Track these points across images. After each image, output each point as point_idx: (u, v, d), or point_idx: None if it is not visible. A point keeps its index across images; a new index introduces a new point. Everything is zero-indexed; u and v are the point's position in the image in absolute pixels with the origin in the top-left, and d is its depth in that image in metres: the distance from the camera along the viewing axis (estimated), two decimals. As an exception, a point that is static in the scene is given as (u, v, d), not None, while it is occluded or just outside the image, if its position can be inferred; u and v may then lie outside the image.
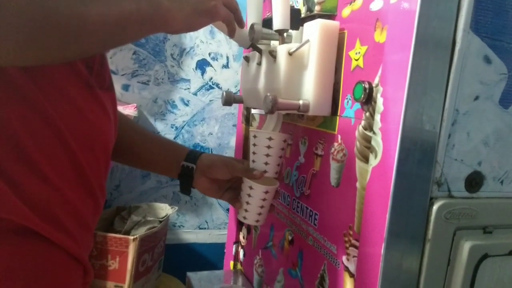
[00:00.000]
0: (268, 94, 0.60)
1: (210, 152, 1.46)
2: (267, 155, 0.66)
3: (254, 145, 0.67)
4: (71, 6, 0.38)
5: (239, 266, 1.08)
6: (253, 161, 0.67)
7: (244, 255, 1.05)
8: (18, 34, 0.36)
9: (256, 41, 0.66)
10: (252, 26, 0.64)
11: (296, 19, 0.68)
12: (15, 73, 0.44)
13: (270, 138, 0.65)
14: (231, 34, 0.59)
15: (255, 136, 0.66)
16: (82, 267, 0.53)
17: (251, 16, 0.69)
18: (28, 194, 0.45)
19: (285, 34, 0.65)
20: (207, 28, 1.41)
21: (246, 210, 0.68)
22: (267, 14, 0.71)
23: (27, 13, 0.36)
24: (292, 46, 0.63)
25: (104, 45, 0.46)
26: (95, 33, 0.41)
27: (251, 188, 0.66)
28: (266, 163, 0.66)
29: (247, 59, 0.79)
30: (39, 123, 0.46)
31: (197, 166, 0.70)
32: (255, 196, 0.66)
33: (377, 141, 0.51)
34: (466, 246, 0.52)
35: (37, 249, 0.47)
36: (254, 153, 0.67)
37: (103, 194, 0.56)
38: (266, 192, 0.66)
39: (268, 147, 0.65)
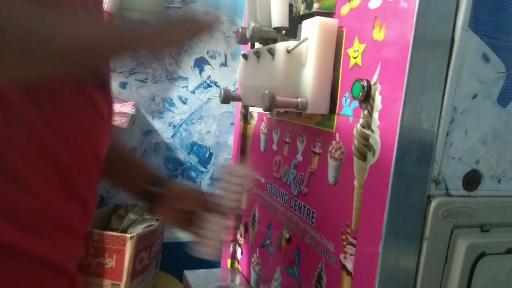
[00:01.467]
0: (266, 92, 0.59)
1: (208, 151, 1.46)
2: (238, 192, 0.64)
3: (226, 180, 0.65)
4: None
5: (236, 265, 1.08)
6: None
7: (241, 253, 1.05)
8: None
9: (254, 39, 0.66)
10: (249, 24, 0.64)
11: (294, 26, 0.67)
12: None
13: (241, 176, 0.64)
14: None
15: (228, 173, 0.65)
16: (68, 277, 0.49)
17: (250, 14, 0.69)
18: (2, 201, 0.42)
19: (283, 32, 0.65)
20: (205, 26, 1.40)
21: (237, 200, 0.65)
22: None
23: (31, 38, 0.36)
24: (291, 44, 0.63)
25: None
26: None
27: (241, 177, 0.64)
28: (237, 199, 0.65)
29: (245, 56, 0.78)
30: (14, 122, 0.43)
31: (166, 194, 0.67)
32: (246, 183, 0.65)
33: (375, 139, 0.51)
34: (463, 245, 0.52)
35: (12, 266, 0.43)
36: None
37: (94, 197, 0.53)
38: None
39: (240, 183, 0.64)
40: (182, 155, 1.45)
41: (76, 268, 0.51)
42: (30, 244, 0.44)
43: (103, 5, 1.05)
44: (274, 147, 0.87)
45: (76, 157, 0.48)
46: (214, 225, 0.64)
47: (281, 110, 0.79)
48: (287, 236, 0.78)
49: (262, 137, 0.93)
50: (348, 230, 0.59)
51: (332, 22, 0.62)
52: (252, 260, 0.96)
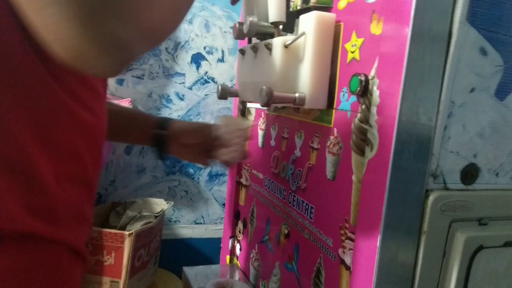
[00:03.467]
0: (264, 87, 0.59)
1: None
2: (235, 141, 0.71)
3: (224, 131, 0.72)
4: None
5: (235, 261, 1.08)
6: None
7: (240, 249, 1.05)
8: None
9: (251, 34, 0.66)
10: (246, 19, 0.64)
11: (291, 21, 0.67)
12: (34, 64, 0.42)
13: (238, 125, 0.72)
14: None
15: (225, 124, 0.72)
16: (82, 257, 0.54)
17: (247, 10, 0.68)
18: (27, 193, 0.44)
19: (280, 27, 0.65)
20: (202, 21, 1.40)
21: (233, 149, 0.72)
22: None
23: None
24: (288, 38, 0.62)
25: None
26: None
27: (238, 126, 0.72)
28: (234, 149, 0.72)
29: (242, 52, 0.78)
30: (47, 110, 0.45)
31: (169, 133, 0.75)
32: (242, 133, 0.72)
33: (373, 134, 0.51)
34: (461, 238, 0.52)
35: (38, 251, 0.46)
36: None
37: (97, 183, 0.57)
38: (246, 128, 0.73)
39: (236, 133, 0.71)
40: (180, 151, 1.45)
41: (86, 248, 0.55)
42: (53, 232, 0.47)
43: None
44: (272, 142, 0.86)
45: (91, 145, 0.51)
46: (232, 127, 0.72)
47: (279, 105, 0.79)
48: (286, 231, 0.78)
49: (260, 133, 0.93)
50: (347, 225, 0.59)
51: (330, 16, 0.62)
52: (251, 256, 0.96)
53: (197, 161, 0.79)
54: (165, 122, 0.76)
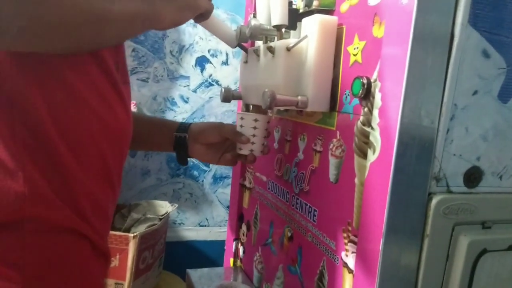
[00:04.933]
0: (266, 90, 0.59)
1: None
2: (253, 135, 0.72)
3: (241, 126, 0.73)
4: (102, 3, 0.43)
5: (239, 263, 1.08)
6: None
7: (244, 252, 1.05)
8: (64, 27, 0.41)
9: (254, 37, 0.66)
10: (249, 22, 0.64)
11: (294, 19, 0.68)
12: (61, 66, 0.46)
13: (255, 120, 0.72)
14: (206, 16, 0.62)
15: (242, 118, 0.73)
16: (104, 256, 0.56)
17: (251, 11, 0.69)
18: (59, 187, 0.48)
19: (283, 30, 0.65)
20: (206, 25, 1.40)
21: (252, 143, 0.73)
22: (251, 14, 0.71)
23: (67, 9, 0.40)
24: (290, 41, 0.63)
25: (118, 38, 0.51)
26: (115, 26, 0.46)
27: (256, 121, 0.72)
28: (253, 143, 0.72)
29: (245, 55, 0.78)
30: (72, 119, 0.48)
31: (189, 135, 0.76)
32: (260, 127, 0.73)
33: (376, 137, 0.51)
34: (464, 242, 0.51)
35: (67, 243, 0.49)
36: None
37: (120, 182, 0.59)
38: (268, 122, 0.74)
39: (254, 128, 0.72)
40: (184, 154, 1.45)
41: (107, 247, 0.57)
42: (81, 226, 0.50)
43: None
44: (276, 145, 0.87)
45: (116, 150, 0.55)
46: (249, 121, 0.72)
47: (282, 108, 0.79)
48: (289, 234, 0.78)
49: (264, 135, 0.93)
50: (349, 228, 0.59)
51: (332, 19, 0.62)
52: (255, 258, 0.96)
53: (220, 161, 0.78)
54: (184, 125, 0.78)
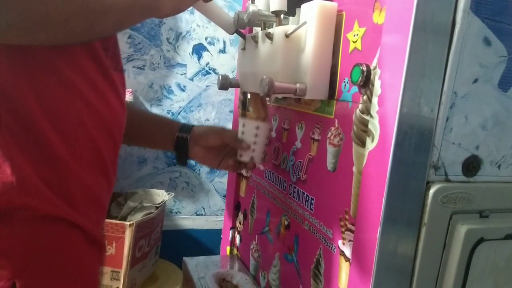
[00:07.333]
0: (264, 77, 0.59)
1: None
2: (254, 143, 0.71)
3: (243, 133, 0.72)
4: None
5: (235, 252, 1.08)
6: None
7: (240, 240, 1.05)
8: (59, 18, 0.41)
9: (252, 24, 0.65)
10: (247, 7, 0.63)
11: (292, 4, 0.67)
12: (50, 53, 0.46)
13: (257, 127, 0.71)
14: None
15: (244, 125, 0.72)
16: (97, 245, 0.56)
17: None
18: (48, 177, 0.47)
19: (281, 16, 0.64)
20: (204, 12, 1.39)
21: (253, 150, 0.72)
22: (248, 2, 0.70)
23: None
24: (289, 28, 0.62)
25: (114, 28, 0.50)
26: (111, 17, 0.45)
27: (257, 128, 0.71)
28: (253, 150, 0.72)
29: (243, 41, 0.77)
30: (61, 107, 0.48)
31: (191, 136, 0.76)
32: (261, 135, 0.72)
33: (374, 125, 0.50)
34: (462, 230, 0.51)
35: (57, 232, 0.49)
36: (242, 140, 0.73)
37: (115, 172, 0.59)
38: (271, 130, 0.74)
39: (256, 135, 0.71)
40: (181, 142, 1.45)
41: (102, 236, 0.57)
42: (71, 215, 0.50)
43: None
44: (273, 134, 0.86)
45: (108, 138, 0.54)
46: (251, 128, 0.72)
47: (280, 96, 0.78)
48: (286, 223, 0.78)
49: (261, 124, 0.93)
50: (347, 217, 0.59)
51: (332, 5, 0.61)
52: (251, 247, 0.96)
53: (221, 166, 0.78)
54: (186, 126, 0.77)
